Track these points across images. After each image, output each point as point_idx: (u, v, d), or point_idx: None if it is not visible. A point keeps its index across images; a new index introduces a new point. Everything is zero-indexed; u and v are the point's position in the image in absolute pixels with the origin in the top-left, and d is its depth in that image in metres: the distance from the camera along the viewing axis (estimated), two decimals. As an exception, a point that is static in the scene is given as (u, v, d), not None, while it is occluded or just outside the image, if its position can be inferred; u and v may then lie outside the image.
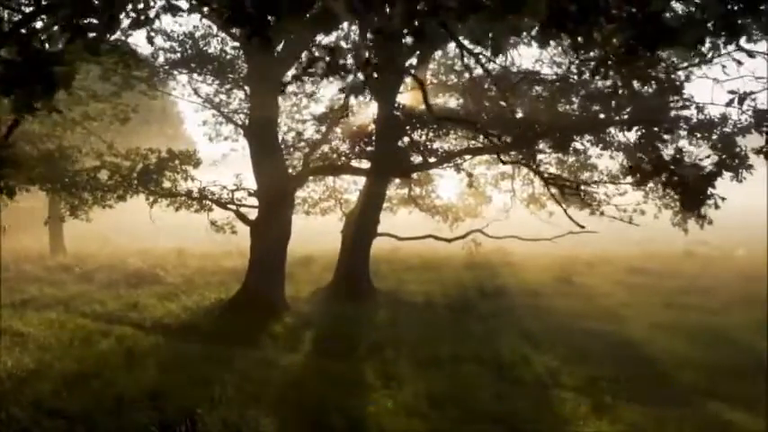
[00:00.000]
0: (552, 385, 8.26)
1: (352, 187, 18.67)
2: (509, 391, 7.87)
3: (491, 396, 7.51)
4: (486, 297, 14.61)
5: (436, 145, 12.24)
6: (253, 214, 13.11)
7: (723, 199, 7.05)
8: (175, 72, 13.66)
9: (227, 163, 18.90)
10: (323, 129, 13.14)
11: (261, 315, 11.72)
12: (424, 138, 11.78)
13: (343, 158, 12.66)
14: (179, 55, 13.42)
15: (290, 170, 13.08)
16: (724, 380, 8.43)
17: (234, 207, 12.81)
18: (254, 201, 13.32)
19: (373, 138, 12.81)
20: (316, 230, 20.69)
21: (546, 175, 12.61)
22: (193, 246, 22.86)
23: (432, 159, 12.18)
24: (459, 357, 9.29)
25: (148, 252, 21.07)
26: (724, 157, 6.16)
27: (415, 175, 18.33)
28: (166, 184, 13.51)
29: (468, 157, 13.35)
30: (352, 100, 14.90)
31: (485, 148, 12.67)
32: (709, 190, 5.99)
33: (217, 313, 12.22)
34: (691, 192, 5.87)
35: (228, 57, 13.08)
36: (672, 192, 5.98)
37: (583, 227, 12.92)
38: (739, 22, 3.38)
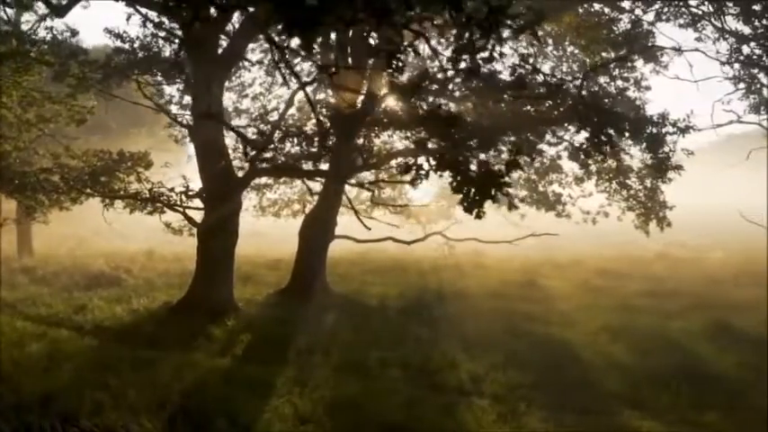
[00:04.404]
0: (471, 392, 8.09)
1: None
2: (423, 398, 7.69)
3: (401, 403, 7.33)
4: (443, 300, 14.45)
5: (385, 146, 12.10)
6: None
7: (520, 199, 6.86)
8: (128, 73, 13.60)
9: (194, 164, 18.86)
10: (268, 129, 13.04)
11: (205, 318, 11.60)
12: (364, 139, 11.66)
13: (289, 160, 12.54)
14: (131, 56, 13.38)
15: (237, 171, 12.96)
16: (649, 387, 8.22)
17: (181, 209, 12.71)
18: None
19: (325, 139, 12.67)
20: (292, 233, 20.58)
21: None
22: (167, 247, 22.78)
23: (372, 161, 12.05)
24: (387, 362, 9.13)
25: (118, 253, 21.02)
26: (515, 157, 5.92)
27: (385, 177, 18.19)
28: (118, 186, 13.49)
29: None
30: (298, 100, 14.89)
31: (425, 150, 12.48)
32: (504, 189, 5.71)
33: (162, 316, 12.11)
34: (475, 191, 5.64)
35: (176, 58, 13.00)
36: (463, 192, 5.75)
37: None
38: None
